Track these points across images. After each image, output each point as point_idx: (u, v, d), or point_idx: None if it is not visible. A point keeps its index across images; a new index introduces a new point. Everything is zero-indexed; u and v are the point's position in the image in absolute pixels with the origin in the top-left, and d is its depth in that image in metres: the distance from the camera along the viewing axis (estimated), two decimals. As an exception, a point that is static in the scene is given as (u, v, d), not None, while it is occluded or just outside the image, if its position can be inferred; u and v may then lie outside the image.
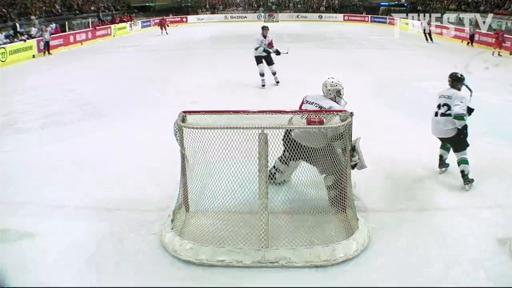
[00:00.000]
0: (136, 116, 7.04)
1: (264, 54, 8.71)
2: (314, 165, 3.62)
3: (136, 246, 3.36)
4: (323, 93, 4.07)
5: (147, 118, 6.83)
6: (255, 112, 3.34)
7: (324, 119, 3.33)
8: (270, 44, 8.84)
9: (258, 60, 8.82)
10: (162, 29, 22.83)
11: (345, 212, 3.58)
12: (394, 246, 3.34)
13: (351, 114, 3.39)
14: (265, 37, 8.81)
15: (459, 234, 3.49)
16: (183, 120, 3.31)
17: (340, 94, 4.07)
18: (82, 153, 5.37)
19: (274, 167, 3.99)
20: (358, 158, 3.68)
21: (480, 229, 3.55)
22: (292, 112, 3.56)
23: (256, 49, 8.72)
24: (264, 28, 8.98)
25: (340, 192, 3.53)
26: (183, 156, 3.48)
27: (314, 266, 3.08)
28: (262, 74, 8.90)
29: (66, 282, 2.98)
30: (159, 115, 6.59)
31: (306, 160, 3.62)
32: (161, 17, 25.45)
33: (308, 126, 3.30)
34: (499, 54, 13.71)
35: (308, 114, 3.40)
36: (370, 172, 4.67)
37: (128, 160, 5.06)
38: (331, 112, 3.49)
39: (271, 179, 3.78)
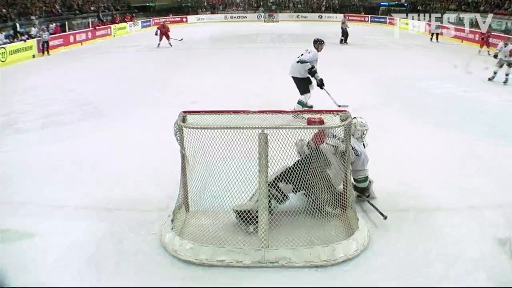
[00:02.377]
0: (136, 116, 7.05)
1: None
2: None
3: (136, 246, 3.37)
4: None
5: (147, 118, 6.83)
6: (255, 112, 3.34)
7: (324, 119, 3.33)
8: None
9: (308, 85, 6.58)
10: (161, 39, 16.51)
11: (345, 212, 3.58)
12: (394, 246, 3.34)
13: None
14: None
15: (459, 234, 3.50)
16: (183, 120, 3.31)
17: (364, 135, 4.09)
18: (82, 153, 5.37)
19: (280, 190, 3.51)
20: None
21: (480, 229, 3.56)
22: (292, 112, 3.56)
23: (310, 69, 6.47)
24: (320, 42, 6.69)
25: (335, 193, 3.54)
26: (183, 156, 3.48)
27: (314, 266, 3.08)
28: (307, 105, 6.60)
29: (66, 282, 2.99)
30: (159, 115, 6.60)
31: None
32: (161, 23, 18.52)
33: (308, 126, 3.30)
34: (488, 54, 13.68)
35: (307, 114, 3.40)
36: (370, 172, 4.68)
37: (128, 160, 5.06)
38: (331, 112, 3.49)
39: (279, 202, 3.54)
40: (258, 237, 3.16)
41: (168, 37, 16.63)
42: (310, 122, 3.28)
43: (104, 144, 5.71)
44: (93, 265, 3.14)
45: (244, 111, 3.33)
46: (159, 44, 16.58)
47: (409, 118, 6.78)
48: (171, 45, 16.49)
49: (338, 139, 3.54)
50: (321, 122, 3.28)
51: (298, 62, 6.52)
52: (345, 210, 3.58)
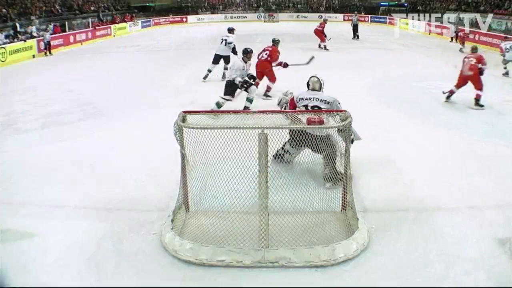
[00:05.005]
0: (136, 116, 7.04)
1: None
2: (318, 151, 3.75)
3: (136, 246, 3.37)
4: (317, 88, 4.49)
5: (147, 118, 6.83)
6: (255, 112, 3.34)
7: (324, 119, 3.34)
8: None
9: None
10: (322, 41, 14.78)
11: (345, 212, 3.59)
12: (394, 246, 3.35)
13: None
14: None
15: (459, 234, 3.50)
16: (183, 120, 3.32)
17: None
18: (82, 153, 5.37)
19: (283, 149, 4.23)
20: (352, 133, 3.88)
21: (480, 229, 3.56)
22: (292, 112, 3.56)
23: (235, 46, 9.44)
24: (233, 29, 10.19)
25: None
26: (183, 156, 3.48)
27: (314, 266, 3.08)
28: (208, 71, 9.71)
29: (66, 282, 2.99)
30: (159, 115, 6.60)
31: (312, 147, 3.74)
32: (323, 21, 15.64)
33: (308, 126, 3.31)
34: (461, 50, 14.24)
35: (309, 114, 3.41)
36: (370, 172, 4.69)
37: (128, 160, 5.06)
38: (331, 112, 3.50)
39: (279, 158, 4.27)
40: (258, 237, 3.17)
41: (322, 39, 14.81)
42: (310, 122, 3.29)
43: (104, 144, 5.71)
44: (93, 265, 3.14)
45: (244, 111, 3.34)
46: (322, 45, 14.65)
47: (409, 118, 6.78)
48: (326, 48, 14.62)
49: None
50: (321, 122, 3.29)
51: (228, 44, 9.45)
52: (345, 210, 3.59)
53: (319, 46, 14.80)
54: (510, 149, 5.39)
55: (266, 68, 7.89)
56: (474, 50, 7.70)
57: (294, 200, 3.41)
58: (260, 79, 7.87)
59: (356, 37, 18.53)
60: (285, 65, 7.93)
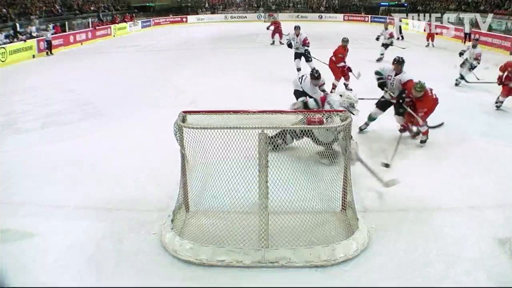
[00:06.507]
0: (136, 116, 7.04)
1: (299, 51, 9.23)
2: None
3: (136, 246, 3.37)
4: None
5: (147, 118, 6.83)
6: (255, 112, 3.34)
7: (324, 119, 3.34)
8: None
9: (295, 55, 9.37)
10: (274, 36, 16.66)
11: (345, 212, 3.59)
12: (394, 246, 3.35)
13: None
14: (297, 35, 9.38)
15: (459, 234, 3.50)
16: (183, 120, 3.32)
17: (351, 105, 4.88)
18: (82, 153, 5.37)
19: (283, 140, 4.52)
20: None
21: (480, 229, 3.56)
22: (292, 112, 3.56)
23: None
24: (296, 27, 9.52)
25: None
26: (183, 156, 3.48)
27: (314, 266, 3.08)
28: (298, 69, 9.12)
29: (66, 282, 2.99)
30: (159, 115, 6.60)
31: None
32: (274, 20, 18.77)
33: (308, 126, 3.31)
34: (432, 45, 15.67)
35: (309, 114, 3.41)
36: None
37: (128, 160, 5.07)
38: (331, 112, 3.50)
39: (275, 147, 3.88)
40: (258, 237, 3.17)
41: (280, 35, 16.32)
42: (310, 122, 3.29)
43: (104, 144, 5.71)
44: (93, 265, 3.15)
45: (244, 111, 3.34)
46: (274, 41, 16.56)
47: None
48: (282, 43, 15.63)
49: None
50: (321, 122, 3.29)
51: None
52: (345, 210, 3.59)
53: (281, 42, 15.79)
54: (510, 149, 5.39)
55: (330, 64, 8.12)
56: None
57: (294, 200, 3.41)
58: (335, 77, 8.22)
59: (401, 38, 18.68)
60: (348, 69, 8.07)
